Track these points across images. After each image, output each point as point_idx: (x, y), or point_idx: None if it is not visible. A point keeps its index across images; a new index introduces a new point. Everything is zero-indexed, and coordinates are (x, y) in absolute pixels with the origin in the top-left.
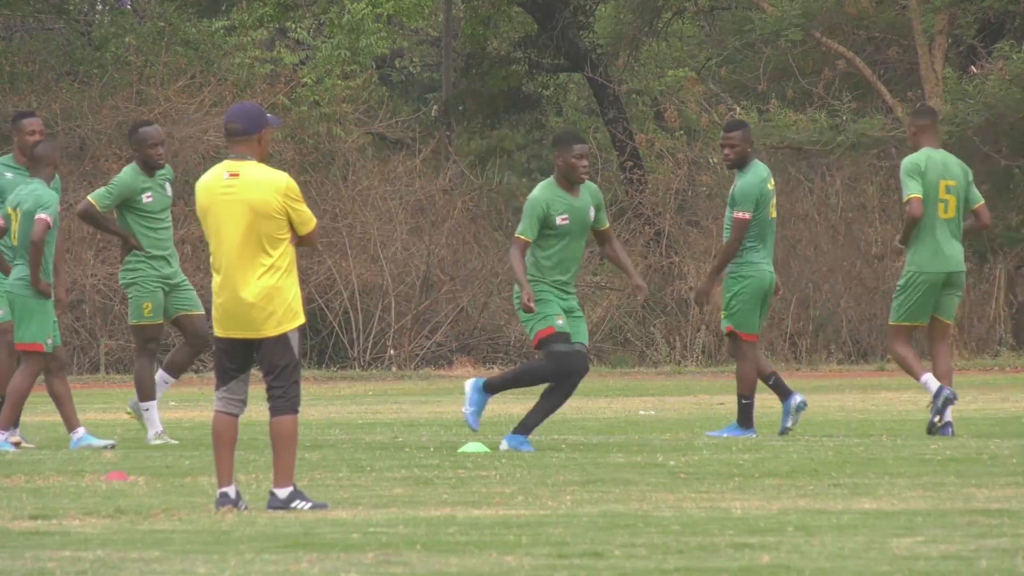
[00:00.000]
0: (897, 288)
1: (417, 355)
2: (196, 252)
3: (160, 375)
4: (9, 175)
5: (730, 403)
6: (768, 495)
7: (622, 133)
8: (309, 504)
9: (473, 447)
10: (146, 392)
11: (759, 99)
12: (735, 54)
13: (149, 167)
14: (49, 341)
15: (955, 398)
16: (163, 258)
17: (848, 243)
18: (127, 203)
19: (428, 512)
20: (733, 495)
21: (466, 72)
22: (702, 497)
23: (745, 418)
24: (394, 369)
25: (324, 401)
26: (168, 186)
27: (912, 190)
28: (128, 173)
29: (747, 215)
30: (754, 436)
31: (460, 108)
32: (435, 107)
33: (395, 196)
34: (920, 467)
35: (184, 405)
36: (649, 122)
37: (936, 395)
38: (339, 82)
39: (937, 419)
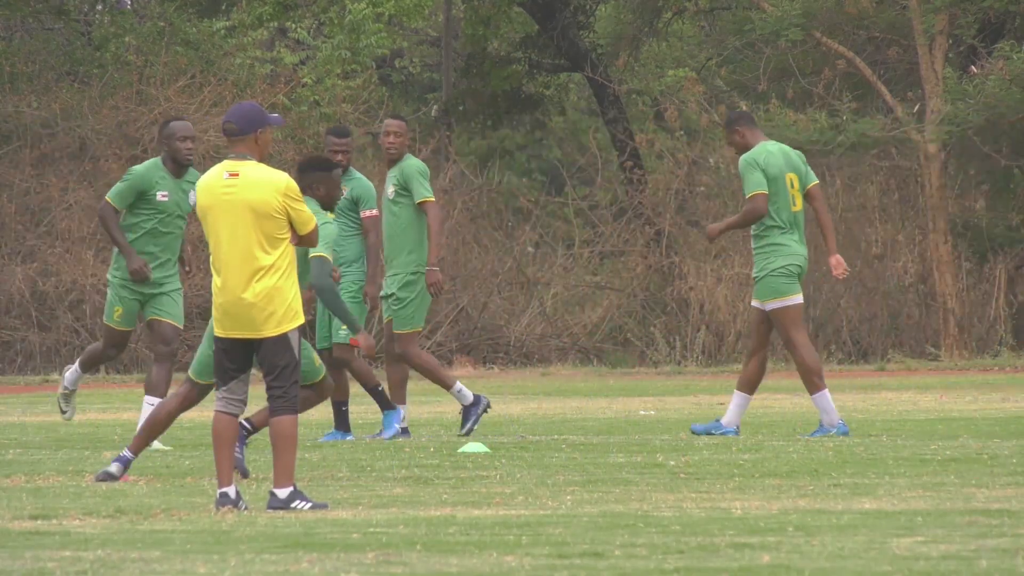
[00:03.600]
0: (408, 296)
1: None
2: (196, 252)
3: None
4: None
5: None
6: (768, 495)
7: (622, 133)
8: (309, 504)
9: (473, 447)
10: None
11: (759, 99)
12: (735, 54)
13: (176, 163)
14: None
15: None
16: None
17: (848, 243)
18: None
19: (428, 512)
20: (733, 495)
21: (466, 72)
22: (702, 497)
23: (384, 402)
24: None
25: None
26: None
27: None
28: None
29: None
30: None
31: (460, 108)
32: (435, 107)
33: None
34: (920, 467)
35: None
36: (649, 122)
37: (476, 403)
38: (339, 82)
39: (468, 427)
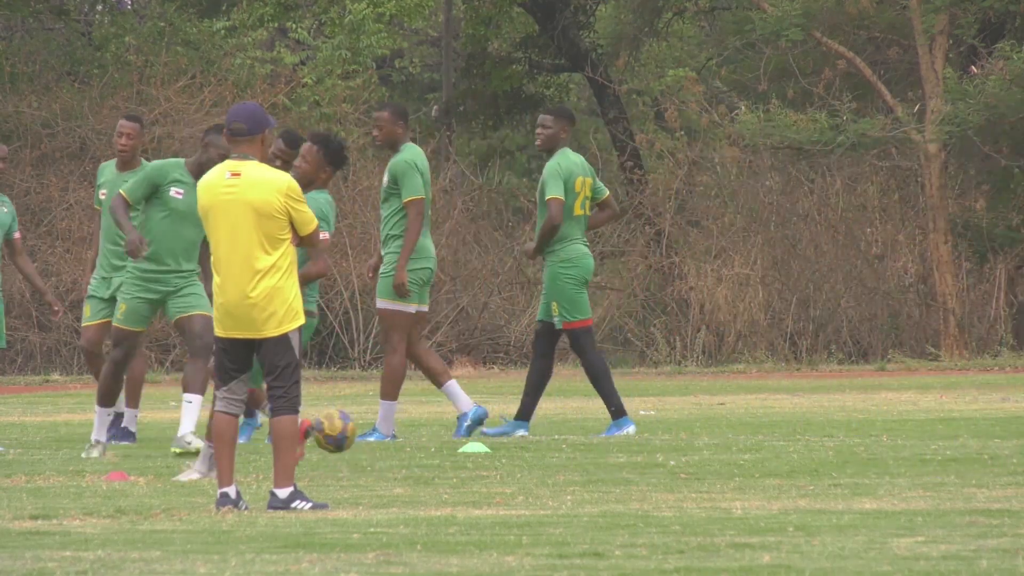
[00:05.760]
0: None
1: None
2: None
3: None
4: None
5: (731, 403)
6: (768, 495)
7: (622, 133)
8: (309, 504)
9: (474, 447)
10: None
11: (759, 99)
12: (735, 54)
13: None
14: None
15: None
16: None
17: (848, 243)
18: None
19: (428, 512)
20: (733, 495)
21: (467, 72)
22: (702, 497)
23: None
24: None
25: (324, 401)
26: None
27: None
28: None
29: None
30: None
31: (460, 108)
32: (435, 107)
33: None
34: (920, 467)
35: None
36: (649, 122)
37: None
38: (339, 82)
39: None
